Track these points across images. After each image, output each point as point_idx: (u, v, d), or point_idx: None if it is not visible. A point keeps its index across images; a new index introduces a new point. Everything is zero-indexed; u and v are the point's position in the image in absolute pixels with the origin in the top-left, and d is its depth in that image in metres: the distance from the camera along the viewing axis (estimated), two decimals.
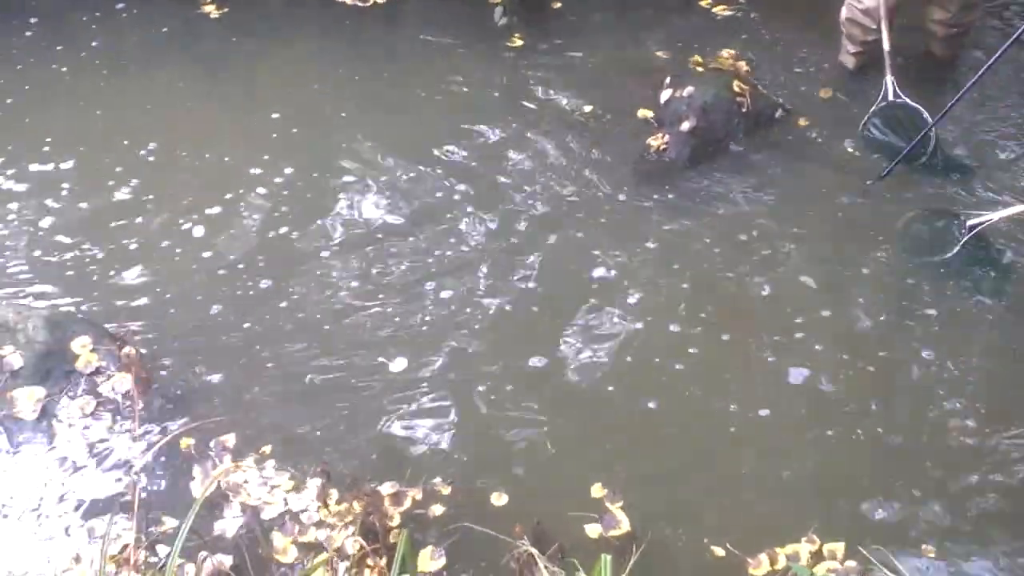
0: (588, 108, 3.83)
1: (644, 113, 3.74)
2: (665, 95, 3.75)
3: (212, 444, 2.65)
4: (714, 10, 4.35)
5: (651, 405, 2.75)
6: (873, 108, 3.57)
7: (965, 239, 3.08)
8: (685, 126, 3.61)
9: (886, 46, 3.53)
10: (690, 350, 2.90)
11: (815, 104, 3.82)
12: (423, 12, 4.50)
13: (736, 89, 3.67)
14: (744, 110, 3.67)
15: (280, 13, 4.53)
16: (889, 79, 3.52)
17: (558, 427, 2.71)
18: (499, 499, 2.51)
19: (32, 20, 4.49)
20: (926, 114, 3.42)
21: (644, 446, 2.67)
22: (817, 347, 2.89)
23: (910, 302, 3.03)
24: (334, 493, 2.50)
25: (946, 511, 2.47)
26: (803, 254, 3.20)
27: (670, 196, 3.45)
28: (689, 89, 3.69)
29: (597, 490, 2.51)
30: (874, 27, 3.65)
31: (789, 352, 2.88)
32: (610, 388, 2.81)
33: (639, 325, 2.98)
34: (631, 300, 3.06)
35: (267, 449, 2.65)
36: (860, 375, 2.81)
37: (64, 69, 4.18)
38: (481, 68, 4.12)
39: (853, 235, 3.26)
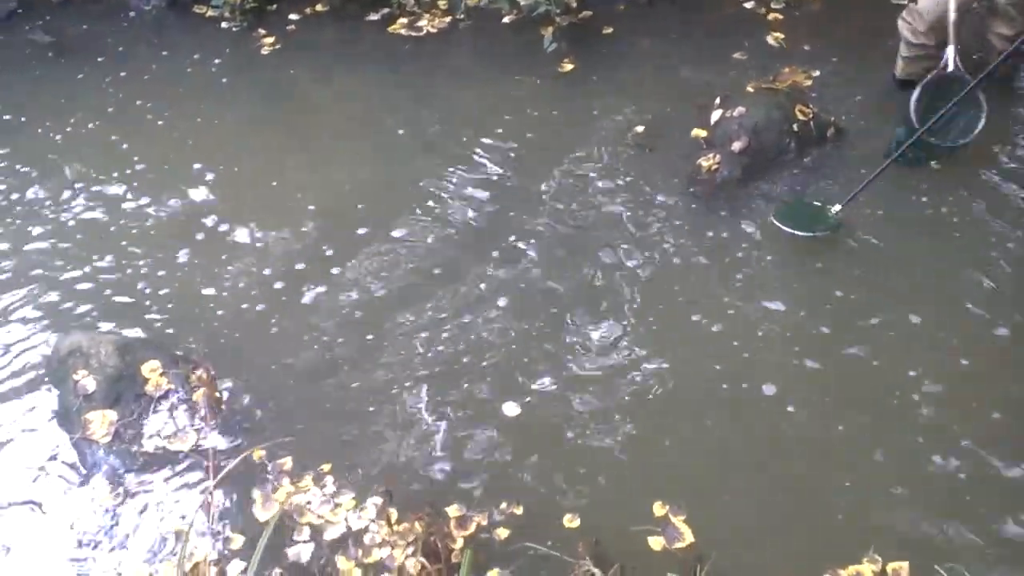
0: (640, 128, 3.86)
1: (697, 133, 3.75)
2: (716, 115, 3.77)
3: (270, 467, 2.71)
4: (768, 38, 4.37)
5: (719, 422, 2.76)
6: (930, 76, 3.52)
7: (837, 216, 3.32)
8: (736, 146, 3.61)
9: (952, 16, 3.46)
10: (751, 370, 2.90)
11: (867, 124, 3.80)
12: (474, 40, 4.60)
13: (798, 114, 3.67)
14: (795, 129, 3.67)
15: (334, 45, 4.66)
16: (951, 49, 3.47)
17: (633, 448, 2.71)
18: (572, 521, 2.51)
19: (99, 59, 4.70)
20: (981, 95, 3.38)
21: (713, 465, 2.67)
22: (874, 361, 2.87)
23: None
24: (394, 512, 2.54)
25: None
26: (850, 274, 3.19)
27: (721, 215, 3.45)
28: (740, 109, 3.70)
29: (659, 507, 2.52)
30: (922, 29, 3.66)
31: (853, 366, 2.87)
32: (680, 407, 2.81)
33: (697, 344, 2.98)
34: (690, 317, 3.07)
35: (326, 467, 2.70)
36: (927, 394, 2.78)
37: (135, 101, 4.35)
38: (531, 93, 4.18)
39: (887, 255, 3.23)
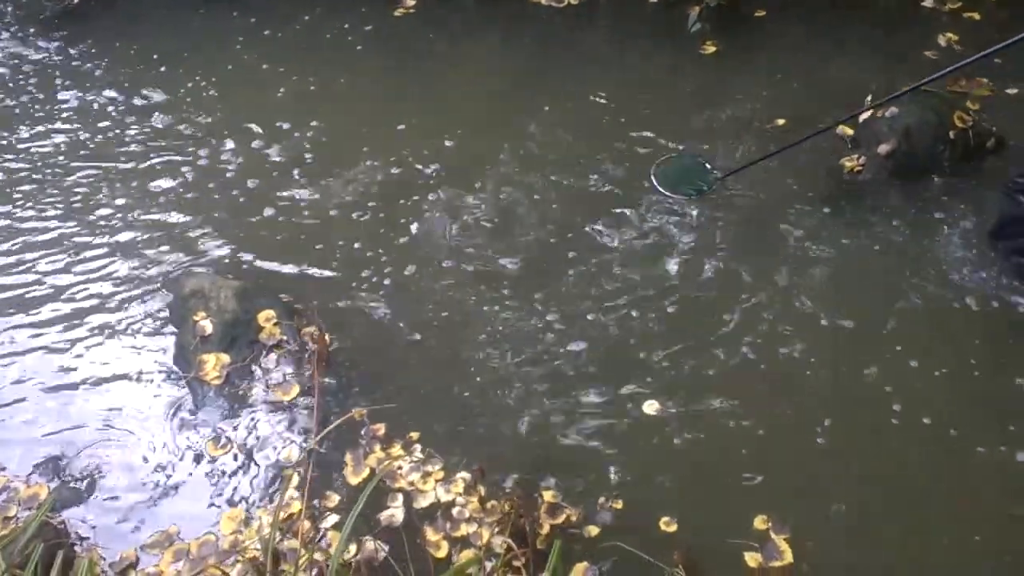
0: (781, 121, 3.68)
1: (844, 130, 3.54)
2: (865, 114, 3.55)
3: (364, 431, 2.72)
4: (940, 39, 4.05)
5: (836, 440, 2.63)
6: None
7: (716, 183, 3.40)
8: (883, 149, 3.40)
9: None
10: (878, 383, 2.74)
11: None
12: (616, 15, 4.47)
13: (957, 121, 3.41)
14: (951, 137, 3.41)
15: (473, 12, 4.61)
16: None
17: (739, 456, 2.61)
18: (669, 526, 2.44)
19: (252, 20, 4.76)
20: None
21: (823, 483, 2.53)
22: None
23: None
24: (482, 489, 2.52)
25: None
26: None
27: (855, 223, 3.25)
28: (892, 110, 3.47)
29: (760, 522, 2.42)
30: None
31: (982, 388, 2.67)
32: (811, 428, 2.68)
33: (837, 359, 2.83)
34: (820, 323, 2.93)
35: (415, 435, 2.69)
36: None
37: (264, 66, 4.42)
38: (670, 73, 4.04)
39: None
